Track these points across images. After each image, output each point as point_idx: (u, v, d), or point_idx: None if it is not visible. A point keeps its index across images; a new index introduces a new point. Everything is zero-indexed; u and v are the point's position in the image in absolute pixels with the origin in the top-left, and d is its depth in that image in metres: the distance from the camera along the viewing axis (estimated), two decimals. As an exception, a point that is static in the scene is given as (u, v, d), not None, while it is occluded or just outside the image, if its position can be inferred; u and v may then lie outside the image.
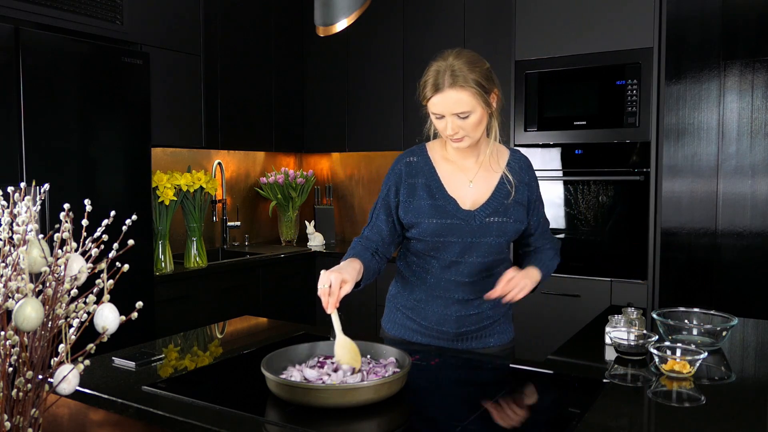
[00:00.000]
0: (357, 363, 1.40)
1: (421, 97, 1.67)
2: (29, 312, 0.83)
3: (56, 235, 0.91)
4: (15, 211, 0.93)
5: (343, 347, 1.42)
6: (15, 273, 0.87)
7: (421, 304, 1.77)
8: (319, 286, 1.50)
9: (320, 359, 1.45)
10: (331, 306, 1.47)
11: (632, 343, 1.57)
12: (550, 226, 1.90)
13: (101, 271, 0.92)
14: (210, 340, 1.85)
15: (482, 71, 1.64)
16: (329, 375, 1.34)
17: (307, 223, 4.32)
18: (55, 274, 0.89)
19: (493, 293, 1.61)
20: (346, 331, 1.46)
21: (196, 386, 1.40)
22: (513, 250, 1.86)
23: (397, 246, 1.82)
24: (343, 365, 1.39)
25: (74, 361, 0.91)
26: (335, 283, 1.48)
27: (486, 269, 1.74)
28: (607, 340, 1.71)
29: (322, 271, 1.51)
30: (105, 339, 0.91)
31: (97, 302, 0.91)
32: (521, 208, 1.74)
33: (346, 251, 1.73)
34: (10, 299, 0.86)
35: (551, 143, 3.25)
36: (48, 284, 0.89)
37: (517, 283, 1.61)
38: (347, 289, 1.51)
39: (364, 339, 1.50)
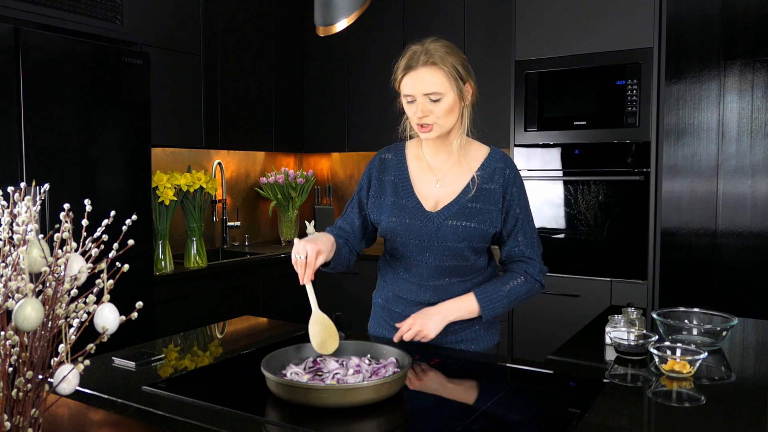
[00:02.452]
0: (334, 341, 1.40)
1: (393, 79, 1.62)
2: (29, 312, 0.83)
3: (56, 235, 0.91)
4: (15, 211, 0.93)
5: (320, 323, 1.42)
6: (15, 273, 0.87)
7: (389, 304, 1.77)
8: (293, 255, 1.49)
9: (315, 359, 1.44)
10: (306, 277, 1.46)
11: (632, 343, 1.57)
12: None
13: (101, 271, 0.92)
14: (210, 340, 1.85)
15: (459, 58, 1.60)
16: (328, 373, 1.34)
17: (307, 223, 4.30)
18: (55, 274, 0.89)
19: (395, 338, 1.60)
20: (349, 330, 1.46)
21: (196, 386, 1.40)
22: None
23: (368, 243, 1.82)
24: (320, 350, 1.39)
25: (74, 361, 0.91)
26: (311, 254, 1.47)
27: (448, 274, 1.68)
28: (607, 340, 1.71)
29: (296, 240, 1.51)
30: (105, 339, 0.91)
31: (97, 302, 0.91)
32: (492, 212, 1.65)
33: None
34: (10, 299, 0.86)
35: (551, 143, 3.25)
36: (48, 284, 0.89)
37: (415, 327, 1.59)
38: (322, 260, 1.51)
39: (363, 339, 1.50)
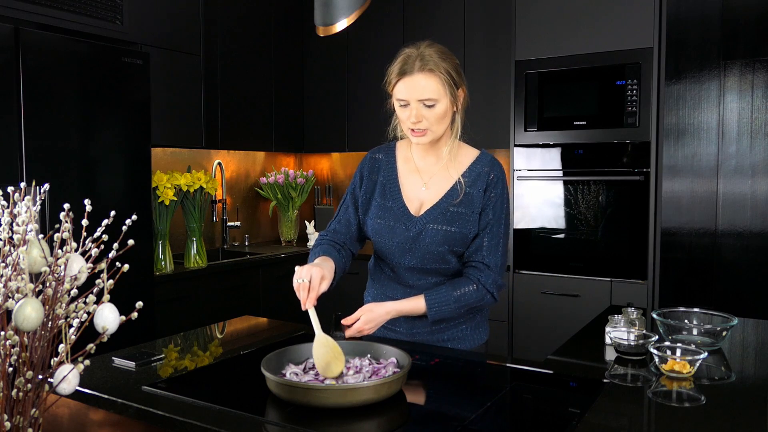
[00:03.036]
0: (339, 362, 1.33)
1: (386, 82, 1.61)
2: (29, 312, 0.83)
3: (56, 235, 0.91)
4: (15, 211, 0.93)
5: (324, 345, 1.36)
6: (15, 273, 0.87)
7: (377, 301, 1.76)
8: (295, 280, 1.48)
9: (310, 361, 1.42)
10: (309, 302, 1.46)
11: (632, 343, 1.57)
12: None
13: (101, 271, 0.92)
14: (210, 340, 1.85)
15: (453, 63, 1.59)
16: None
17: (307, 223, 4.32)
18: (55, 274, 0.89)
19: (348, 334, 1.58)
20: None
21: (196, 386, 1.40)
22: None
23: (362, 242, 1.82)
24: (325, 374, 1.32)
25: (74, 361, 0.91)
26: (315, 279, 1.47)
27: (431, 275, 1.67)
28: (607, 340, 1.71)
29: (298, 267, 1.50)
30: (105, 339, 0.91)
31: (97, 302, 0.91)
32: (473, 216, 1.64)
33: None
34: (10, 299, 0.86)
35: (551, 143, 3.25)
36: (48, 284, 0.89)
37: (361, 327, 1.57)
38: (325, 286, 1.50)
39: (362, 339, 1.50)
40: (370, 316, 1.58)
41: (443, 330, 1.72)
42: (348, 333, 1.58)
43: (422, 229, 1.65)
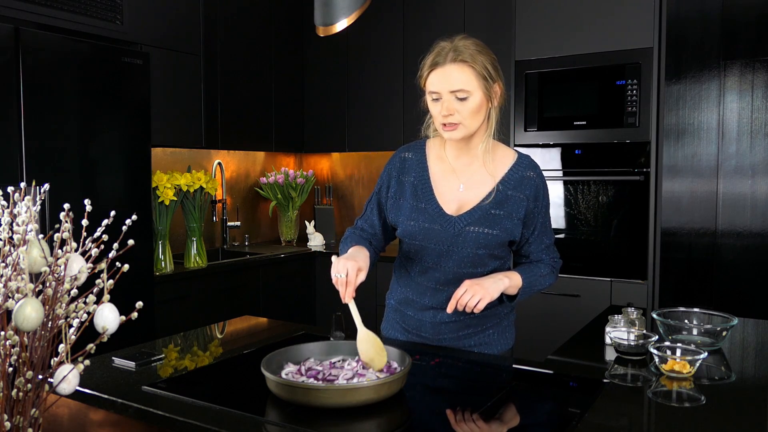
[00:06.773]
0: (382, 359, 1.36)
1: (419, 76, 1.57)
2: (29, 312, 0.83)
3: (56, 235, 0.91)
4: (15, 211, 0.93)
5: (367, 342, 1.38)
6: (15, 273, 0.87)
7: (401, 305, 1.75)
8: (333, 274, 1.46)
9: (306, 362, 1.42)
10: (348, 296, 1.44)
11: (632, 343, 1.57)
12: (552, 227, 1.80)
13: (101, 271, 0.92)
14: (210, 340, 1.85)
15: (490, 57, 1.54)
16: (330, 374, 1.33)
17: (307, 223, 4.32)
18: (55, 274, 0.89)
19: (448, 308, 1.51)
20: (349, 330, 1.46)
21: (196, 386, 1.40)
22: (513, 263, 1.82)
23: (388, 241, 1.79)
24: (369, 366, 1.36)
25: (74, 361, 0.91)
26: (352, 272, 1.45)
27: (462, 280, 1.61)
28: (607, 340, 1.71)
29: (335, 258, 1.49)
30: (105, 339, 0.91)
31: (97, 302, 0.91)
32: (514, 221, 1.61)
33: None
34: (10, 299, 0.86)
35: (551, 143, 3.25)
36: (48, 284, 0.89)
37: (472, 294, 1.49)
38: (362, 277, 1.48)
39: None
40: (478, 286, 1.50)
41: (470, 336, 1.69)
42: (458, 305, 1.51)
43: (461, 230, 1.59)
